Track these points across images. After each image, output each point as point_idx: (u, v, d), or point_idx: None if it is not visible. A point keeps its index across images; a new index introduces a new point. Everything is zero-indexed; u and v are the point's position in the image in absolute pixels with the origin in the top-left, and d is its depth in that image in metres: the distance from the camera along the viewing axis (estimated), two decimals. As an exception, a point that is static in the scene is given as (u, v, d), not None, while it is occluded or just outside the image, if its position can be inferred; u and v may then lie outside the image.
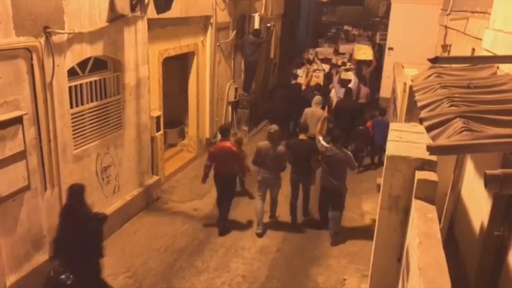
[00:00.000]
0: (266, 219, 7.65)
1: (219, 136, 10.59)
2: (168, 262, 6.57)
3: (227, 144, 7.18)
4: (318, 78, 12.38)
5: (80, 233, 4.93)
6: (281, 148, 7.22)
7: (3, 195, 4.90)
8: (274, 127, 7.34)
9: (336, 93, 11.42)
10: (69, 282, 5.49)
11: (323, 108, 9.71)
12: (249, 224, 7.70)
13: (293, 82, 13.20)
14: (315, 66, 13.77)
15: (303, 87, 12.08)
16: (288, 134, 10.02)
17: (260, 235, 7.31)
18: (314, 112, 9.47)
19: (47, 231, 5.77)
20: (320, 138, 7.58)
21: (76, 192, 5.08)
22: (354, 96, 11.39)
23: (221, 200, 7.45)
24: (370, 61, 15.09)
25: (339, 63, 14.46)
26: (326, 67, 14.19)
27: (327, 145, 7.20)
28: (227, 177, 7.26)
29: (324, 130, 8.04)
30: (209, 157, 7.28)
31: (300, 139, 7.65)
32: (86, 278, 5.10)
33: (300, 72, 13.83)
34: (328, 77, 13.23)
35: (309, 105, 9.86)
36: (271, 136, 7.17)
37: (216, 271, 6.43)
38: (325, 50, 16.64)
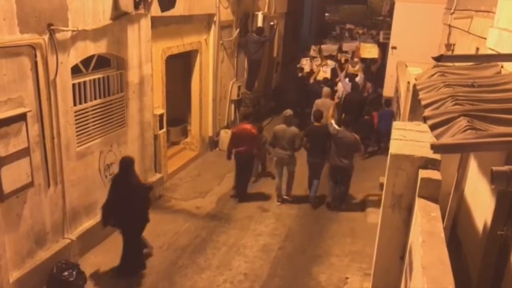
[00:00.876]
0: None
1: (222, 133, 10.70)
2: (171, 259, 6.58)
3: (247, 126, 8.13)
4: (325, 73, 13.10)
5: (129, 200, 5.71)
6: (295, 129, 8.08)
7: (7, 191, 4.91)
8: (289, 111, 8.22)
9: (343, 87, 11.94)
10: (72, 279, 5.53)
11: (332, 99, 10.56)
12: (250, 223, 7.71)
13: (300, 75, 13.79)
14: (318, 62, 14.26)
15: (311, 81, 12.83)
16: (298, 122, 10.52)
17: (280, 204, 8.39)
18: (325, 103, 10.14)
19: (50, 227, 5.79)
20: (332, 121, 8.27)
21: (127, 163, 5.86)
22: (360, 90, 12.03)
23: (239, 177, 8.43)
24: (375, 58, 15.71)
25: (343, 60, 14.90)
26: (332, 63, 14.63)
27: (338, 128, 7.98)
28: (245, 156, 8.16)
29: (335, 116, 8.78)
30: (231, 137, 8.32)
31: (316, 125, 8.42)
32: (132, 239, 5.98)
33: (303, 61, 14.62)
34: (334, 72, 13.80)
35: (317, 97, 10.62)
36: (287, 119, 8.08)
37: (218, 268, 6.43)
38: (329, 47, 17.04)
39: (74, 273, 5.52)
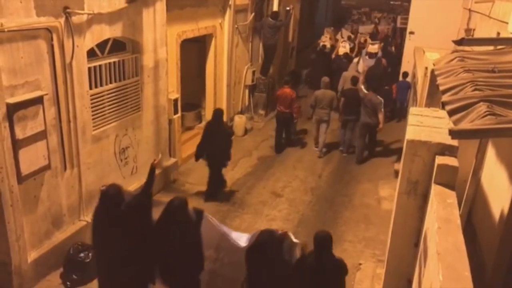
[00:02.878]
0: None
1: (236, 118, 10.72)
2: (185, 243, 6.65)
3: (287, 90, 10.00)
4: (345, 48, 14.74)
5: (217, 141, 7.48)
6: (332, 92, 10.14)
7: (25, 173, 4.99)
8: (327, 78, 10.26)
9: (364, 63, 13.23)
10: (88, 260, 5.63)
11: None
12: (263, 208, 7.73)
13: (326, 51, 15.39)
14: (341, 41, 15.84)
15: (333, 56, 14.53)
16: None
17: (320, 156, 10.22)
18: (351, 74, 11.59)
19: (66, 210, 5.88)
20: (362, 86, 9.82)
21: (219, 113, 7.63)
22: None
23: (279, 133, 10.35)
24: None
25: (362, 40, 16.27)
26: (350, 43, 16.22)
27: (366, 92, 9.58)
28: (284, 114, 10.07)
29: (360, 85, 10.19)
30: (276, 99, 10.35)
31: (352, 88, 10.18)
32: (217, 171, 7.80)
33: (323, 38, 16.55)
34: (353, 49, 15.57)
35: (340, 69, 12.64)
36: (325, 85, 10.09)
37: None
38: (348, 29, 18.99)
39: (90, 254, 5.61)
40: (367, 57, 13.58)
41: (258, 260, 4.29)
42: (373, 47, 13.74)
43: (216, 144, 7.50)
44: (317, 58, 14.38)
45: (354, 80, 10.32)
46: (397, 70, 14.35)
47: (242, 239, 4.50)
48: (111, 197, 4.43)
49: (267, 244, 4.27)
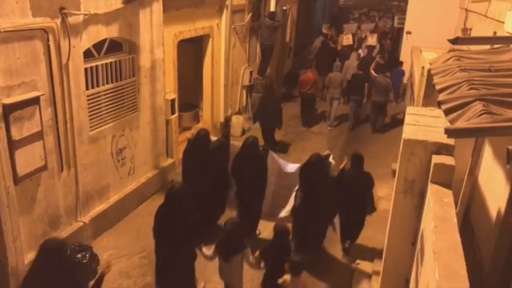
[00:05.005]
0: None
1: (233, 119, 10.72)
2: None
3: (310, 74, 11.80)
4: (348, 40, 16.02)
5: (270, 108, 9.77)
6: (342, 74, 12.16)
7: (21, 174, 4.98)
8: (339, 63, 12.63)
9: (363, 53, 15.11)
10: (85, 261, 5.62)
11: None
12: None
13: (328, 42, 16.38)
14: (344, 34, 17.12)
15: (338, 47, 15.88)
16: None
17: (331, 127, 12.13)
18: (353, 63, 13.37)
19: (63, 210, 5.87)
20: (373, 71, 11.58)
21: (270, 83, 10.68)
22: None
23: (305, 113, 12.13)
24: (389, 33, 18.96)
25: (363, 35, 17.59)
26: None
27: (376, 75, 11.40)
28: (308, 94, 11.78)
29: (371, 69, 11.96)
30: (300, 83, 12.00)
31: (357, 73, 12.17)
32: (270, 134, 10.03)
33: (324, 29, 17.70)
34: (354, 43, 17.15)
35: (344, 58, 13.93)
36: (337, 68, 12.17)
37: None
38: (351, 26, 20.18)
39: (87, 255, 5.60)
40: (366, 49, 15.46)
41: (309, 173, 5.93)
42: (372, 40, 15.64)
43: (273, 107, 9.81)
44: (322, 47, 15.42)
45: (362, 64, 12.49)
46: (394, 58, 15.73)
47: (294, 167, 6.36)
48: (201, 138, 6.31)
49: (316, 161, 5.90)
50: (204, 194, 6.13)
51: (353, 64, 13.30)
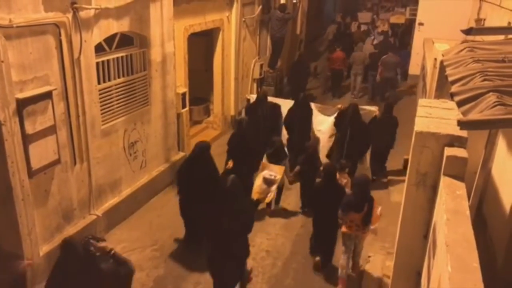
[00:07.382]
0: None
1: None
2: (194, 236, 6.72)
3: (340, 53, 13.61)
4: (384, 26, 18.35)
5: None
6: (364, 53, 14.07)
7: (35, 168, 5.05)
8: (361, 43, 15.31)
9: (376, 38, 17.23)
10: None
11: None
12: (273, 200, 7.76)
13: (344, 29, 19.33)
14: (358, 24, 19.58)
15: (354, 30, 18.29)
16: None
17: (355, 98, 13.84)
18: (368, 46, 15.51)
19: (77, 204, 5.94)
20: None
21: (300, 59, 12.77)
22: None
23: (334, 87, 14.13)
24: (402, 23, 20.10)
25: (378, 23, 19.74)
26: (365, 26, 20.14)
27: (386, 55, 13.07)
28: (338, 71, 13.81)
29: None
30: (330, 60, 14.03)
31: (374, 52, 14.37)
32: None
33: (338, 18, 20.42)
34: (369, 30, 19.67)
35: (357, 41, 15.86)
36: (359, 48, 14.50)
37: (240, 245, 6.54)
38: (365, 15, 21.62)
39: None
40: (379, 35, 17.72)
41: (344, 117, 7.99)
42: (384, 27, 18.18)
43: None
44: (337, 33, 17.71)
45: (381, 45, 15.03)
46: (402, 42, 17.94)
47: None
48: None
49: (350, 108, 7.97)
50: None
51: (367, 47, 15.51)
